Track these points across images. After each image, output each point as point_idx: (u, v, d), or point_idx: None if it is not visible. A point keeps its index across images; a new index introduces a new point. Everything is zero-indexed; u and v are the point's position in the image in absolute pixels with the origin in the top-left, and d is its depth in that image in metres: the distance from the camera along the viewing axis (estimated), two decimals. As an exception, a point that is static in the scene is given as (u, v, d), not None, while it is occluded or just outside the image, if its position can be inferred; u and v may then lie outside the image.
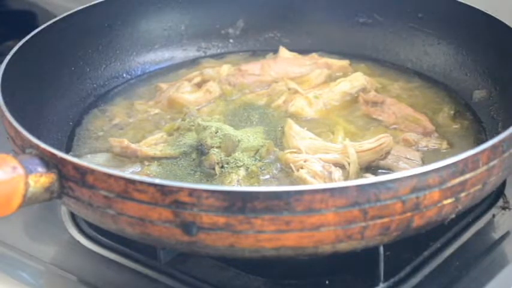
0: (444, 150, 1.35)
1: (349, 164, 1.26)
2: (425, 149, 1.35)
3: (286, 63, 1.61)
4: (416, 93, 1.53)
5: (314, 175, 1.24)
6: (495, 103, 1.43)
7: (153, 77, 1.62)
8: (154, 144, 1.35)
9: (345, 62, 1.61)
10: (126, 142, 1.34)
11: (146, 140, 1.36)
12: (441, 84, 1.55)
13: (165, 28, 1.67)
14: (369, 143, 1.28)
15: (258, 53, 1.68)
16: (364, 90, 1.51)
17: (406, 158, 1.30)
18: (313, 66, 1.59)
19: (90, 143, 1.41)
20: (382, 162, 1.28)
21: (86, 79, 1.54)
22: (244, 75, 1.56)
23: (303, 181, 1.24)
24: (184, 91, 1.52)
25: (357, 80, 1.52)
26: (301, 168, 1.26)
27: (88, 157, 1.35)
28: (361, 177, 1.25)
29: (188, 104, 1.47)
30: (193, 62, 1.67)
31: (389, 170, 1.29)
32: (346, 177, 1.25)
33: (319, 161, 1.26)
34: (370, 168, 1.28)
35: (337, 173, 1.24)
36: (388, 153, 1.28)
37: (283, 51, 1.64)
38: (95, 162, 1.32)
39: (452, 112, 1.46)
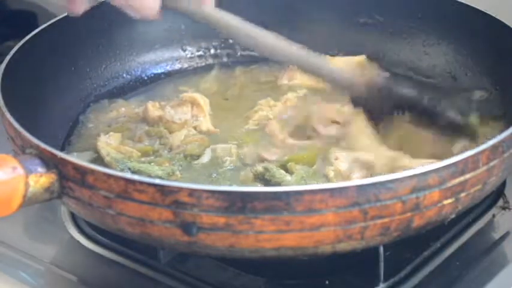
0: None
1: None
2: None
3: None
4: None
5: (337, 174, 1.24)
6: (495, 103, 1.43)
7: (154, 78, 1.62)
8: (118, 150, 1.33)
9: (361, 58, 1.55)
10: (100, 141, 1.33)
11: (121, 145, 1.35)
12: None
13: (165, 28, 1.66)
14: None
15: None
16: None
17: None
18: None
19: (86, 142, 1.40)
20: None
21: (86, 79, 1.53)
22: None
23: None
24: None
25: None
26: (331, 165, 1.26)
27: (74, 155, 1.33)
28: None
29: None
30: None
31: None
32: None
33: (347, 160, 1.26)
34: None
35: (357, 174, 1.24)
36: None
37: None
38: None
39: None
